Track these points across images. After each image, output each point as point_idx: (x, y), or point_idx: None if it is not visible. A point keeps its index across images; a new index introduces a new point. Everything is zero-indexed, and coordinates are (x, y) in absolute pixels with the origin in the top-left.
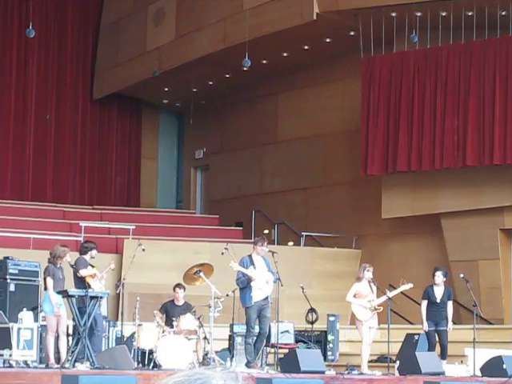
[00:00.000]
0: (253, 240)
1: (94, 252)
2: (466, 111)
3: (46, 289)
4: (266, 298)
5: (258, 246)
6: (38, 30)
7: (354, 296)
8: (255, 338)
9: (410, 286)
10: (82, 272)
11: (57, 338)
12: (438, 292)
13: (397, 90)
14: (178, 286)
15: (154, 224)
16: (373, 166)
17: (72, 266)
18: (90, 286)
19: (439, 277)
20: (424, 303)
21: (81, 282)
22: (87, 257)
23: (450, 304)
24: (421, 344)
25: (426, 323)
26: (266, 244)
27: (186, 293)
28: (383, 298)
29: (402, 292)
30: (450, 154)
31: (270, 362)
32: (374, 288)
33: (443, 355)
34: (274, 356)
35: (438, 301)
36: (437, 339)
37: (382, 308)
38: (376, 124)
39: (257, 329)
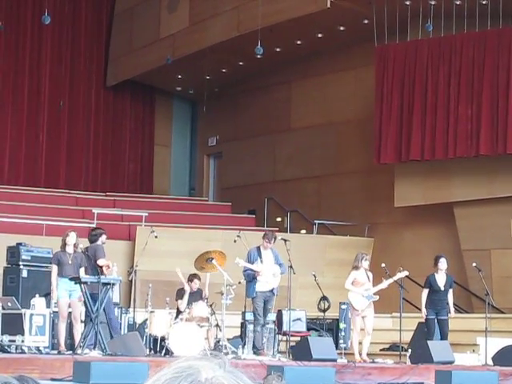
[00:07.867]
0: (265, 228)
1: (103, 237)
2: (480, 100)
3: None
4: (272, 289)
5: (264, 242)
6: (51, 16)
7: (352, 284)
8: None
9: (406, 273)
10: (101, 261)
11: (71, 325)
12: (441, 280)
13: (410, 79)
14: (195, 276)
15: (166, 211)
16: (386, 155)
17: (84, 252)
18: (102, 273)
19: (443, 263)
20: (425, 292)
21: (95, 270)
22: (99, 243)
23: (450, 292)
24: None
25: (424, 310)
26: (272, 241)
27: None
28: (380, 287)
29: (414, 281)
30: (464, 142)
31: (281, 350)
32: (371, 276)
33: None
34: (286, 344)
35: (442, 289)
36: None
37: (378, 297)
38: (389, 112)
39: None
